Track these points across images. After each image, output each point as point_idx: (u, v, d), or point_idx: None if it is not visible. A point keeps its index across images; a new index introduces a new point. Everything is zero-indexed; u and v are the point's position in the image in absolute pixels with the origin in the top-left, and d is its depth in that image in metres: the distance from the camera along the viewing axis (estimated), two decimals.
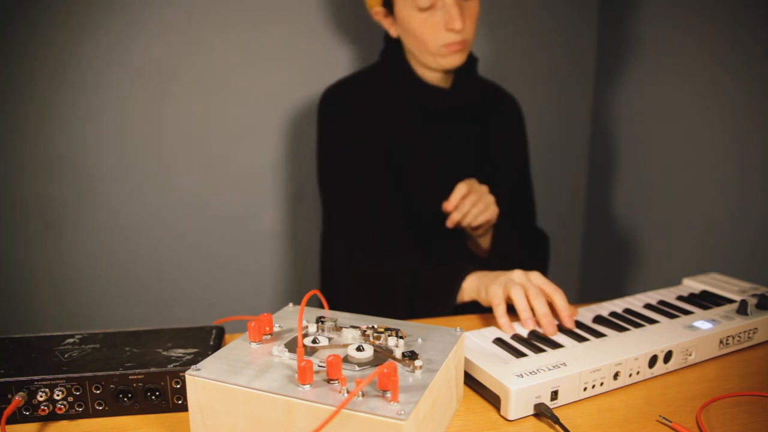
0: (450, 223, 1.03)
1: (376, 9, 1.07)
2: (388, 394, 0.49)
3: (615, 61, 1.56)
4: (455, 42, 1.01)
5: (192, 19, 1.36)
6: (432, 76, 1.09)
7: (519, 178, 1.23)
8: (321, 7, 1.43)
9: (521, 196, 1.24)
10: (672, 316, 0.78)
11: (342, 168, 1.09)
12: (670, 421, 0.59)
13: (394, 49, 1.10)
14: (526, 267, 0.84)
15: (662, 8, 1.36)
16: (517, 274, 0.81)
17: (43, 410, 0.60)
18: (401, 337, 0.59)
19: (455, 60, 1.04)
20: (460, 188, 1.02)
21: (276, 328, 0.63)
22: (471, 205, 1.02)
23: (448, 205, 1.02)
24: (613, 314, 0.80)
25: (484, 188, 1.06)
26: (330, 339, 0.60)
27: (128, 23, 1.32)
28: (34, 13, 1.25)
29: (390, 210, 1.08)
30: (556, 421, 0.59)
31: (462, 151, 1.14)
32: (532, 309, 0.77)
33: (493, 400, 0.63)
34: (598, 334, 0.73)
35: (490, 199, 1.06)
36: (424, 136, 1.11)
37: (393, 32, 1.08)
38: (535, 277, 0.81)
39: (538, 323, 0.76)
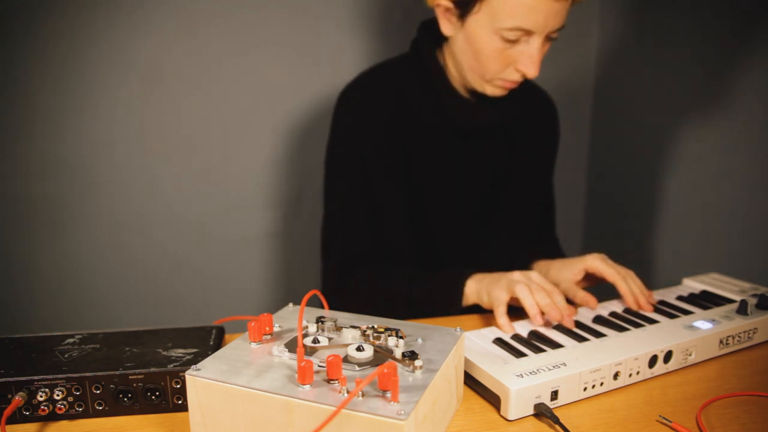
0: (649, 309, 0.83)
1: (443, 2, 0.89)
2: (388, 394, 0.48)
3: (615, 61, 1.56)
4: (515, 81, 0.91)
5: (192, 21, 1.36)
6: (464, 87, 1.00)
7: (544, 188, 1.17)
8: (323, 6, 1.43)
9: (544, 207, 1.17)
10: (672, 316, 0.78)
11: (349, 170, 1.01)
12: (670, 421, 0.59)
13: (431, 44, 0.98)
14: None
15: (662, 8, 1.36)
16: (517, 275, 0.82)
17: (43, 410, 0.60)
18: (401, 337, 0.59)
19: (502, 93, 0.94)
20: (623, 282, 0.84)
21: (276, 328, 0.63)
22: (634, 283, 0.86)
23: (648, 307, 0.83)
24: (613, 314, 0.80)
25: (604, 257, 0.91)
26: (330, 339, 0.60)
27: (129, 24, 1.32)
28: (34, 14, 1.25)
29: (393, 221, 1.02)
30: (556, 421, 0.59)
31: (483, 165, 1.05)
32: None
33: (493, 400, 0.63)
34: (598, 334, 0.73)
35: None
36: (444, 149, 1.02)
37: (447, 30, 0.93)
38: (535, 276, 0.81)
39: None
